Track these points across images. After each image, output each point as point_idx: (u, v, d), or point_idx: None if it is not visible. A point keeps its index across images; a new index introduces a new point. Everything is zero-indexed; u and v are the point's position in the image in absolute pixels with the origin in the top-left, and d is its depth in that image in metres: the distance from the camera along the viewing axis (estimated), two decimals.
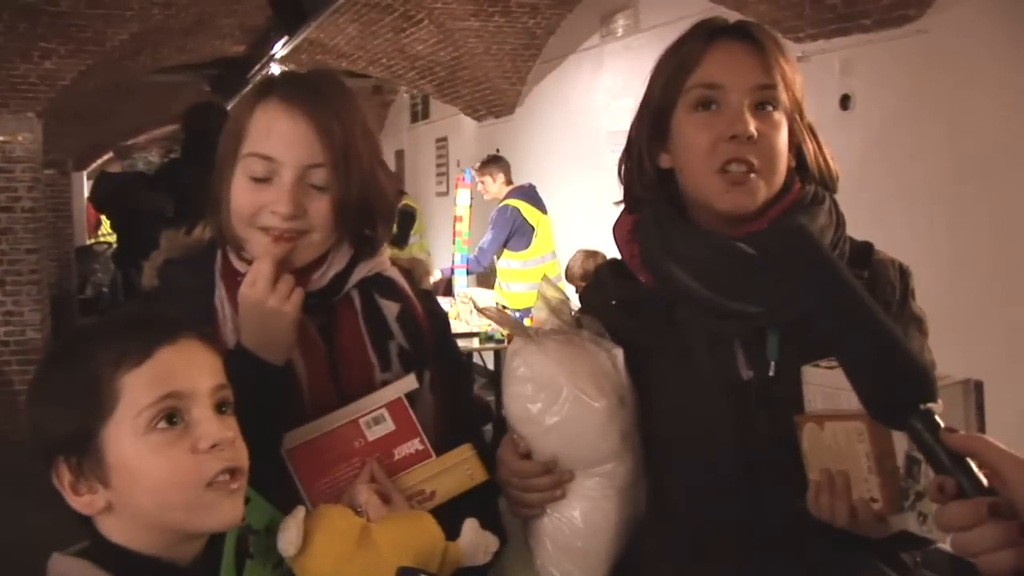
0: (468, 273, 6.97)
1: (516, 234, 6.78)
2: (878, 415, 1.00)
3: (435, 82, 9.83)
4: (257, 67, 9.83)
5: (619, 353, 1.37)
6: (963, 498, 0.91)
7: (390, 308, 1.51)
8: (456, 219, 7.09)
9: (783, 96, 1.36)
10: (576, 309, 1.47)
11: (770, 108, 1.36)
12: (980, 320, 4.26)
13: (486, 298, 6.33)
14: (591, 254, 5.89)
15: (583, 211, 7.72)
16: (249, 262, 1.39)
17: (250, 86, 1.51)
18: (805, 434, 1.20)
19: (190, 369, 1.12)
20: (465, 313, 6.25)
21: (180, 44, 8.81)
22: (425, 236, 9.67)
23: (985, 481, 0.91)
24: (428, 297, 1.63)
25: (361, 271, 1.48)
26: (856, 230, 1.46)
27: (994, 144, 4.32)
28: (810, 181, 1.41)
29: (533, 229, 6.81)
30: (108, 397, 1.07)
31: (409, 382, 1.41)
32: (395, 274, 1.55)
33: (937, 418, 0.94)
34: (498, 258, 6.88)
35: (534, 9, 8.05)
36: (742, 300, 1.32)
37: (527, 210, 6.82)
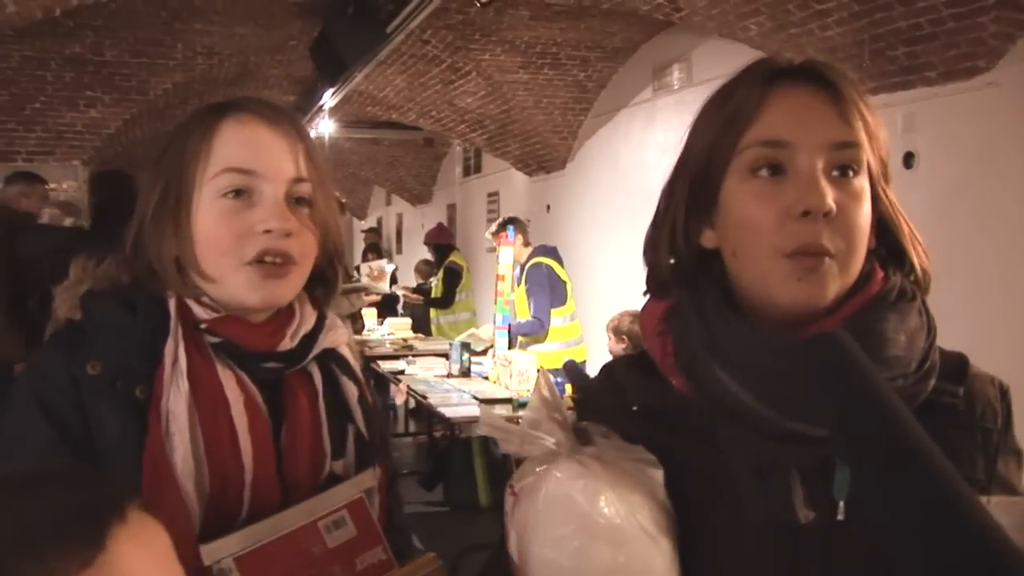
0: (514, 335, 6.70)
1: (552, 292, 6.51)
2: None
3: (485, 135, 9.70)
4: (307, 117, 9.78)
5: (659, 474, 1.05)
6: None
7: (351, 389, 1.34)
8: (498, 278, 6.81)
9: (867, 156, 1.05)
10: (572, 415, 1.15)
11: (851, 173, 1.04)
12: None
13: (526, 361, 6.03)
14: (635, 315, 5.60)
15: (633, 269, 7.36)
16: (214, 309, 1.23)
17: (188, 118, 1.37)
18: None
19: (152, 561, 0.76)
20: (505, 377, 5.97)
21: (227, 94, 8.66)
22: (472, 294, 9.44)
23: None
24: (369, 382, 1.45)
25: (327, 338, 1.32)
26: None
27: None
28: (895, 270, 1.09)
29: (565, 284, 6.58)
30: None
31: (367, 478, 1.25)
32: (348, 353, 1.38)
33: None
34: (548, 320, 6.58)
35: (584, 62, 7.88)
36: (806, 419, 0.98)
37: (557, 267, 6.60)
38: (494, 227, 6.98)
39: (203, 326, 1.22)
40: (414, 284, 10.77)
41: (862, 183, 1.05)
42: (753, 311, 1.08)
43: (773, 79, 1.06)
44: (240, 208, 1.20)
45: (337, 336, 1.34)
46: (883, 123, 1.08)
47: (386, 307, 9.97)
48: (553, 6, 6.37)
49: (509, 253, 6.74)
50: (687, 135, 1.14)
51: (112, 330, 1.20)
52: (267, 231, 1.19)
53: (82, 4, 5.12)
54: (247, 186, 1.20)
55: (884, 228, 1.09)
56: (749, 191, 1.06)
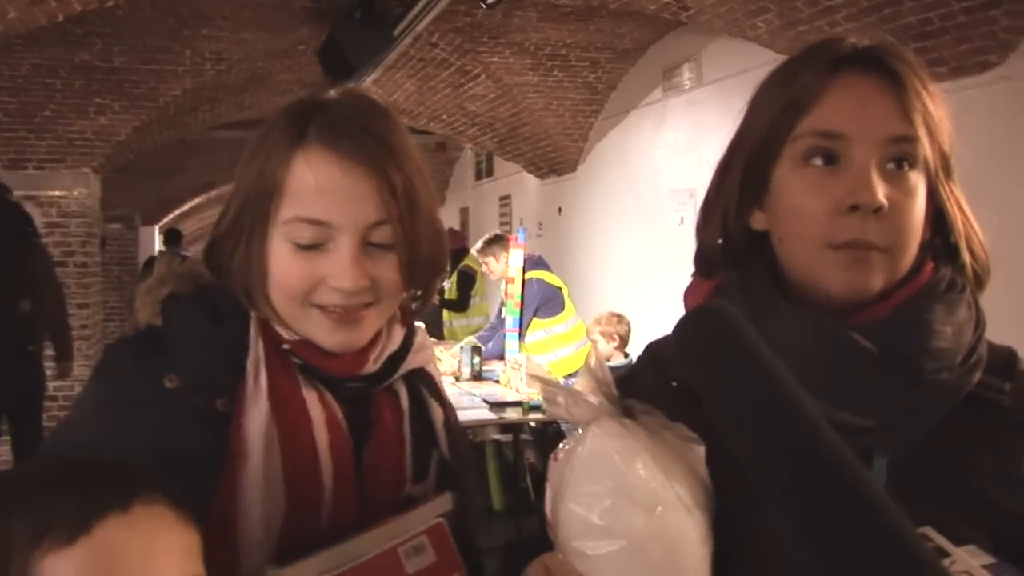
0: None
1: (548, 303, 6.45)
2: None
3: (496, 139, 9.68)
4: None
5: (701, 451, 1.02)
6: None
7: (437, 412, 1.28)
8: (508, 280, 6.77)
9: (926, 150, 1.03)
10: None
11: (906, 166, 1.03)
12: None
13: (537, 363, 6.00)
14: (619, 316, 5.61)
15: (644, 269, 7.43)
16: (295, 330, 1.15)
17: (276, 120, 1.16)
18: None
19: (148, 555, 0.81)
20: (516, 380, 5.94)
21: (238, 100, 8.78)
22: (486, 298, 9.40)
23: None
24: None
25: (415, 358, 1.24)
26: None
27: None
28: (947, 263, 1.09)
29: (561, 289, 6.51)
30: None
31: (444, 502, 1.17)
32: (434, 370, 1.31)
33: None
34: (525, 335, 6.56)
35: (594, 63, 7.84)
36: (848, 408, 0.98)
37: (549, 277, 6.53)
38: (480, 244, 6.92)
39: (285, 346, 1.15)
40: None
41: (917, 177, 1.03)
42: (801, 295, 1.07)
43: (837, 66, 1.03)
44: (312, 256, 1.10)
45: (426, 356, 1.27)
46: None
47: None
48: (561, 7, 6.34)
49: (519, 255, 6.69)
50: (745, 111, 1.12)
51: (195, 342, 1.13)
52: (336, 288, 1.10)
53: (87, 10, 5.12)
54: (318, 238, 1.09)
55: (940, 221, 1.08)
56: (801, 180, 1.04)
